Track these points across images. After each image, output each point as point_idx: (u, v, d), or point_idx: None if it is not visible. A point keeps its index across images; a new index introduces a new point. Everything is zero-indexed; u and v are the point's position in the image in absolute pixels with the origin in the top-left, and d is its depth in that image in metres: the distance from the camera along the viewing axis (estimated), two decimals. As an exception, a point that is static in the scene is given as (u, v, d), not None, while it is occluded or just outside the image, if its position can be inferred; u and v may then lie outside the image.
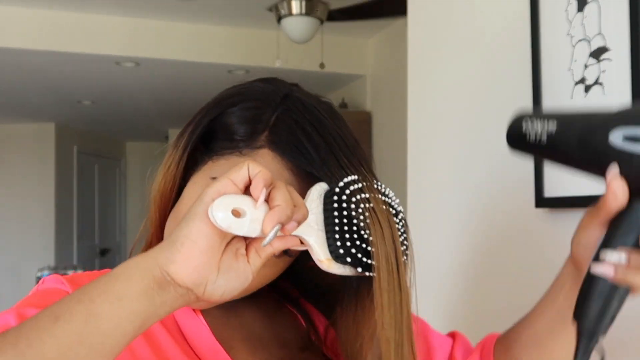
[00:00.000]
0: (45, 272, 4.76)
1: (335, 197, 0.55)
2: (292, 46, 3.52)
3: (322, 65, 3.49)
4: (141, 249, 0.70)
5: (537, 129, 0.55)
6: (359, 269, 0.55)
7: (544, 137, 0.55)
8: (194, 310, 0.66)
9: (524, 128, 0.57)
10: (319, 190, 0.57)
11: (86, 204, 7.52)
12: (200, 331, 0.65)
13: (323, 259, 0.55)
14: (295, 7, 3.03)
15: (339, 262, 0.55)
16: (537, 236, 1.07)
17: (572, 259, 0.60)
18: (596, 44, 0.93)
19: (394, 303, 0.54)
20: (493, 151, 1.21)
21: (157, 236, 0.68)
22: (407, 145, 1.51)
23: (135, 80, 4.73)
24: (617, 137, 0.48)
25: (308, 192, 0.56)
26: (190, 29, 4.01)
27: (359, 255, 0.55)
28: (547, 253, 1.05)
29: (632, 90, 0.86)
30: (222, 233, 0.48)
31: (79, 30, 3.79)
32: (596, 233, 0.53)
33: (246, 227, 0.48)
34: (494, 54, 1.22)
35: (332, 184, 0.57)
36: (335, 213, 0.55)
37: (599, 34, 0.92)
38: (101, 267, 7.33)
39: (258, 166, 0.49)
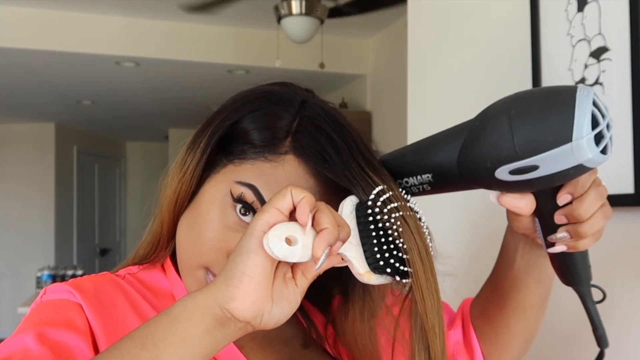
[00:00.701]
0: (45, 272, 4.76)
1: (370, 211, 0.56)
2: (292, 46, 3.52)
3: (322, 65, 3.49)
4: (148, 249, 0.69)
5: (414, 182, 0.59)
6: (397, 277, 0.56)
7: (426, 186, 0.59)
8: None
9: (400, 187, 0.60)
10: (350, 204, 0.57)
11: (86, 204, 7.52)
12: None
13: (362, 272, 0.56)
14: (295, 7, 3.03)
15: (377, 273, 0.56)
16: (537, 236, 1.07)
17: (516, 232, 0.67)
18: (596, 43, 0.93)
19: (432, 295, 0.56)
20: (493, 151, 1.21)
21: (167, 237, 0.67)
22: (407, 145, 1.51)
23: (135, 80, 4.73)
24: (503, 174, 0.51)
25: (340, 206, 0.57)
26: (190, 29, 4.01)
27: (397, 265, 0.56)
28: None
29: (632, 90, 0.86)
30: (274, 262, 0.49)
31: (79, 30, 3.79)
32: (527, 220, 0.62)
33: (299, 253, 0.49)
34: (494, 54, 1.22)
35: (357, 190, 0.57)
36: (372, 226, 0.55)
37: (599, 34, 0.92)
38: (101, 267, 7.35)
39: (301, 191, 0.50)
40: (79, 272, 4.87)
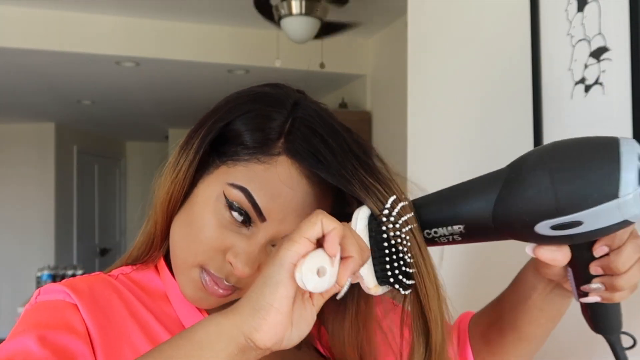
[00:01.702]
0: (45, 272, 4.76)
1: (384, 228, 0.55)
2: (292, 46, 3.52)
3: (322, 65, 3.49)
4: (141, 249, 0.69)
5: (444, 233, 0.57)
6: (402, 290, 0.56)
7: (456, 237, 0.57)
8: (200, 311, 0.66)
9: (428, 236, 0.58)
10: (364, 218, 0.56)
11: (86, 203, 7.52)
12: None
13: (372, 286, 0.56)
14: (295, 7, 3.03)
15: (381, 285, 0.56)
16: (537, 236, 1.07)
17: (543, 275, 0.65)
18: (596, 43, 0.93)
19: (437, 299, 0.56)
20: (493, 151, 1.21)
21: (161, 237, 0.68)
22: (407, 145, 1.51)
23: (135, 80, 4.73)
24: (543, 229, 0.50)
25: (354, 220, 0.56)
26: (190, 29, 4.01)
27: (401, 278, 0.56)
28: (547, 253, 1.05)
29: (632, 89, 0.86)
30: (299, 290, 0.50)
31: (79, 30, 3.79)
32: (560, 269, 0.61)
33: (327, 284, 0.49)
34: (494, 54, 1.22)
35: (352, 190, 0.57)
36: (385, 244, 0.55)
37: (599, 33, 0.92)
38: (101, 267, 7.33)
39: (331, 221, 0.49)
40: (79, 272, 4.87)
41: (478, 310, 0.83)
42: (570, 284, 0.59)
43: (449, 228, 0.56)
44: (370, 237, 0.56)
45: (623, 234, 0.54)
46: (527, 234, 0.52)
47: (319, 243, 0.50)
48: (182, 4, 3.66)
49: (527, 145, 1.07)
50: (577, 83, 0.96)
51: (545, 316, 0.70)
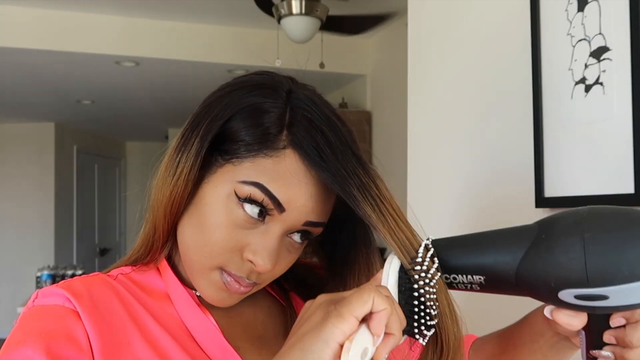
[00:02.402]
0: (45, 272, 4.75)
1: (415, 286, 0.54)
2: (292, 46, 3.52)
3: (322, 65, 3.49)
4: (141, 252, 0.68)
5: (463, 281, 0.56)
6: (421, 340, 0.55)
7: (476, 286, 0.56)
8: (203, 312, 0.66)
9: (447, 280, 0.57)
10: (395, 273, 0.55)
11: (86, 203, 7.52)
12: (210, 332, 0.65)
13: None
14: (295, 7, 3.03)
15: (405, 335, 0.55)
16: (537, 236, 1.07)
17: (554, 328, 0.63)
18: (596, 43, 0.93)
19: (456, 337, 0.57)
20: (493, 151, 1.21)
21: (163, 240, 0.67)
22: (407, 145, 1.51)
23: (135, 80, 4.73)
24: (567, 296, 0.49)
25: (385, 275, 0.55)
26: (190, 29, 4.01)
27: (423, 329, 0.55)
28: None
29: (632, 89, 0.86)
30: None
31: (79, 30, 3.79)
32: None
33: None
34: (494, 54, 1.22)
35: (348, 190, 0.57)
36: (415, 301, 0.54)
37: (599, 33, 0.92)
38: (101, 267, 7.33)
39: (384, 300, 0.48)
40: (79, 272, 4.87)
41: (477, 332, 0.82)
42: (580, 343, 0.58)
43: (469, 277, 0.55)
44: (400, 291, 0.55)
45: None
46: (548, 297, 0.51)
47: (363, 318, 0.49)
48: (182, 4, 3.66)
49: (527, 145, 1.07)
50: (577, 83, 0.96)
51: None
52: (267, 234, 0.61)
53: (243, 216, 0.60)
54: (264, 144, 0.60)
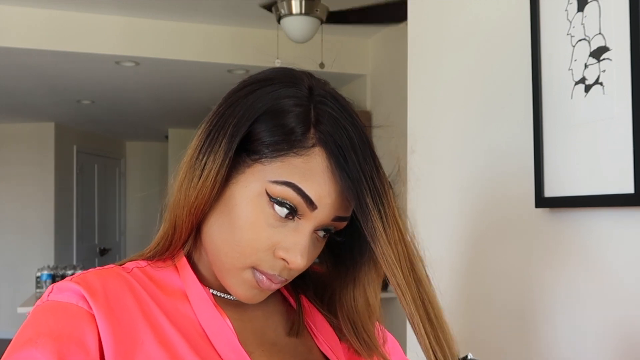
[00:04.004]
0: (45, 272, 4.75)
1: None
2: (292, 46, 3.52)
3: (322, 65, 3.49)
4: (158, 250, 0.68)
5: None
6: None
7: None
8: (220, 313, 0.66)
9: None
10: None
11: (86, 203, 7.52)
12: (225, 333, 0.64)
13: None
14: (295, 7, 3.03)
15: None
16: (537, 236, 1.07)
17: None
18: (596, 43, 0.93)
19: None
20: (493, 151, 1.21)
21: (184, 239, 0.66)
22: (407, 145, 1.51)
23: (135, 80, 4.73)
24: None
25: None
26: (190, 29, 4.01)
27: None
28: (547, 253, 1.05)
29: (632, 89, 0.86)
30: None
31: (79, 30, 3.79)
32: None
33: None
34: (494, 54, 1.22)
35: (361, 196, 0.59)
36: None
37: (599, 33, 0.92)
38: (101, 267, 7.32)
39: None
40: (79, 271, 4.86)
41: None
42: None
43: None
44: None
45: None
46: None
47: None
48: (182, 4, 3.66)
49: (528, 145, 1.07)
50: (577, 83, 0.96)
51: None
52: (298, 231, 0.62)
53: (273, 215, 0.61)
54: (292, 142, 0.60)
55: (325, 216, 0.62)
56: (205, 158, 0.62)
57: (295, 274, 0.65)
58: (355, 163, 0.59)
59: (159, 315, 0.63)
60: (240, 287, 0.64)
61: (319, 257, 0.75)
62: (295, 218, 0.61)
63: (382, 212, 0.59)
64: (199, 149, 0.63)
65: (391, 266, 0.60)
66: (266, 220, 0.61)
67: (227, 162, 0.61)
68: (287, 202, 0.60)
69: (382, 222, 0.59)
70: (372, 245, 0.60)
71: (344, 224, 0.65)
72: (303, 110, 0.61)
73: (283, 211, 0.60)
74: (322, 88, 0.64)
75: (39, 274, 4.76)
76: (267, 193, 0.60)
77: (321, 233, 0.64)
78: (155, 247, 0.68)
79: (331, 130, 0.60)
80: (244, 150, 0.62)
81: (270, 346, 0.68)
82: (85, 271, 0.64)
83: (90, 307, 0.59)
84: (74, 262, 6.87)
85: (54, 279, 4.73)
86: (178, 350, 0.61)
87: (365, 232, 0.60)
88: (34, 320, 0.58)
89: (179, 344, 0.61)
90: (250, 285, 0.63)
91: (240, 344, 0.64)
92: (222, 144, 0.61)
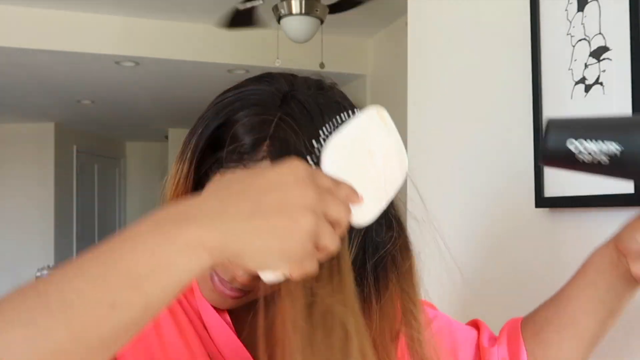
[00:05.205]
0: (45, 272, 4.75)
1: None
2: (292, 46, 3.52)
3: (322, 65, 3.49)
4: None
5: (593, 149, 0.51)
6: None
7: (604, 158, 0.51)
8: (216, 310, 0.66)
9: (572, 148, 0.52)
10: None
11: (86, 203, 7.52)
12: (223, 329, 0.65)
13: None
14: (295, 7, 3.03)
15: None
16: (537, 236, 1.07)
17: (619, 251, 0.64)
18: (596, 43, 0.93)
19: None
20: (493, 151, 1.21)
21: None
22: (407, 145, 1.51)
23: (135, 80, 4.73)
24: None
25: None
26: (190, 29, 4.01)
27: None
28: (547, 253, 1.05)
29: (632, 89, 0.86)
30: None
31: (78, 30, 3.79)
32: None
33: None
34: (494, 53, 1.22)
35: None
36: None
37: (599, 33, 0.92)
38: (101, 267, 7.33)
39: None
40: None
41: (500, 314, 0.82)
42: None
43: (604, 145, 0.51)
44: None
45: None
46: None
47: None
48: (182, 4, 3.66)
49: (528, 145, 1.07)
50: (577, 83, 0.96)
51: (605, 309, 0.68)
52: None
53: None
54: (247, 153, 0.58)
55: None
56: (177, 168, 0.63)
57: (251, 285, 0.61)
58: None
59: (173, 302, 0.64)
60: (204, 289, 0.64)
61: None
62: None
63: None
64: (177, 159, 0.64)
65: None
66: None
67: (191, 171, 0.61)
68: None
69: None
70: None
71: None
72: (266, 121, 0.58)
73: None
74: (298, 98, 0.61)
75: (39, 273, 4.76)
76: None
77: None
78: None
79: (285, 144, 0.57)
80: (215, 158, 0.61)
81: (275, 346, 0.68)
82: None
83: None
84: (74, 262, 6.86)
85: (54, 279, 4.73)
86: (188, 336, 0.63)
87: None
88: None
89: (188, 328, 0.63)
90: (209, 288, 0.63)
91: (239, 340, 0.64)
92: (188, 154, 0.62)
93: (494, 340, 0.78)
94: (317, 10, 3.05)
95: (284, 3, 3.05)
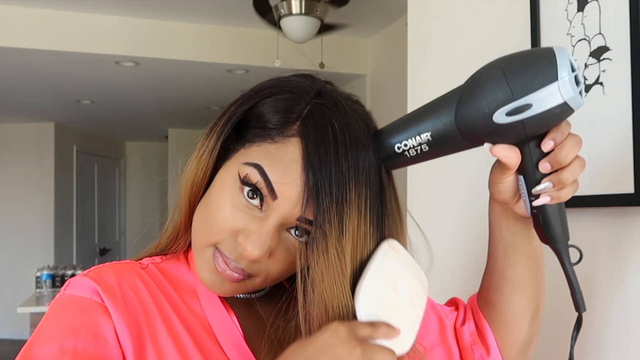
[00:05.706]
0: (45, 272, 4.75)
1: None
2: (292, 46, 3.52)
3: (322, 65, 3.49)
4: (169, 239, 0.70)
5: (413, 144, 0.63)
6: None
7: (424, 147, 0.63)
8: (227, 310, 0.66)
9: (399, 150, 0.64)
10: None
11: (86, 203, 7.52)
12: (230, 331, 0.65)
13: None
14: (295, 7, 3.03)
15: None
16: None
17: (497, 202, 0.70)
18: (596, 43, 0.93)
19: None
20: (493, 151, 1.21)
21: (186, 225, 0.68)
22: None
23: (135, 80, 4.73)
24: (500, 117, 0.57)
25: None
26: (190, 29, 4.01)
27: None
28: (547, 253, 1.05)
29: (632, 89, 0.86)
30: None
31: (79, 30, 3.79)
32: (510, 180, 0.65)
33: None
34: (494, 53, 1.22)
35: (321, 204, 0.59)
36: None
37: (599, 33, 0.92)
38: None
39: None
40: (79, 271, 4.87)
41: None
42: (521, 193, 0.65)
43: (417, 138, 0.63)
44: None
45: (564, 129, 0.59)
46: (486, 128, 0.58)
47: None
48: (182, 4, 3.66)
49: (527, 145, 1.07)
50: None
51: (522, 254, 0.73)
52: (262, 221, 0.61)
53: (243, 200, 0.61)
54: (276, 130, 0.61)
55: (288, 211, 0.60)
56: (203, 145, 0.65)
57: (263, 272, 0.63)
58: (328, 164, 0.58)
59: (169, 310, 0.64)
60: (202, 269, 0.64)
61: None
62: (263, 209, 0.61)
63: (333, 225, 0.58)
64: (203, 137, 0.66)
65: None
66: (234, 203, 0.61)
67: (217, 146, 0.63)
68: (251, 183, 0.60)
69: (325, 236, 0.58)
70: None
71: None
72: (299, 105, 0.62)
73: (248, 193, 0.61)
74: (332, 94, 0.65)
75: (38, 274, 4.76)
76: (239, 174, 0.61)
77: (295, 233, 0.62)
78: (166, 240, 0.70)
79: (317, 128, 0.60)
80: (239, 138, 0.64)
81: (277, 343, 0.68)
82: (102, 265, 0.66)
83: (103, 300, 0.61)
84: (74, 262, 6.86)
85: (53, 279, 4.73)
86: (185, 345, 0.62)
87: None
88: (52, 315, 0.61)
89: (185, 339, 0.63)
90: (209, 268, 0.63)
91: (246, 341, 0.65)
92: (218, 129, 0.64)
93: (463, 320, 0.82)
94: (317, 10, 3.05)
95: (284, 3, 3.05)
